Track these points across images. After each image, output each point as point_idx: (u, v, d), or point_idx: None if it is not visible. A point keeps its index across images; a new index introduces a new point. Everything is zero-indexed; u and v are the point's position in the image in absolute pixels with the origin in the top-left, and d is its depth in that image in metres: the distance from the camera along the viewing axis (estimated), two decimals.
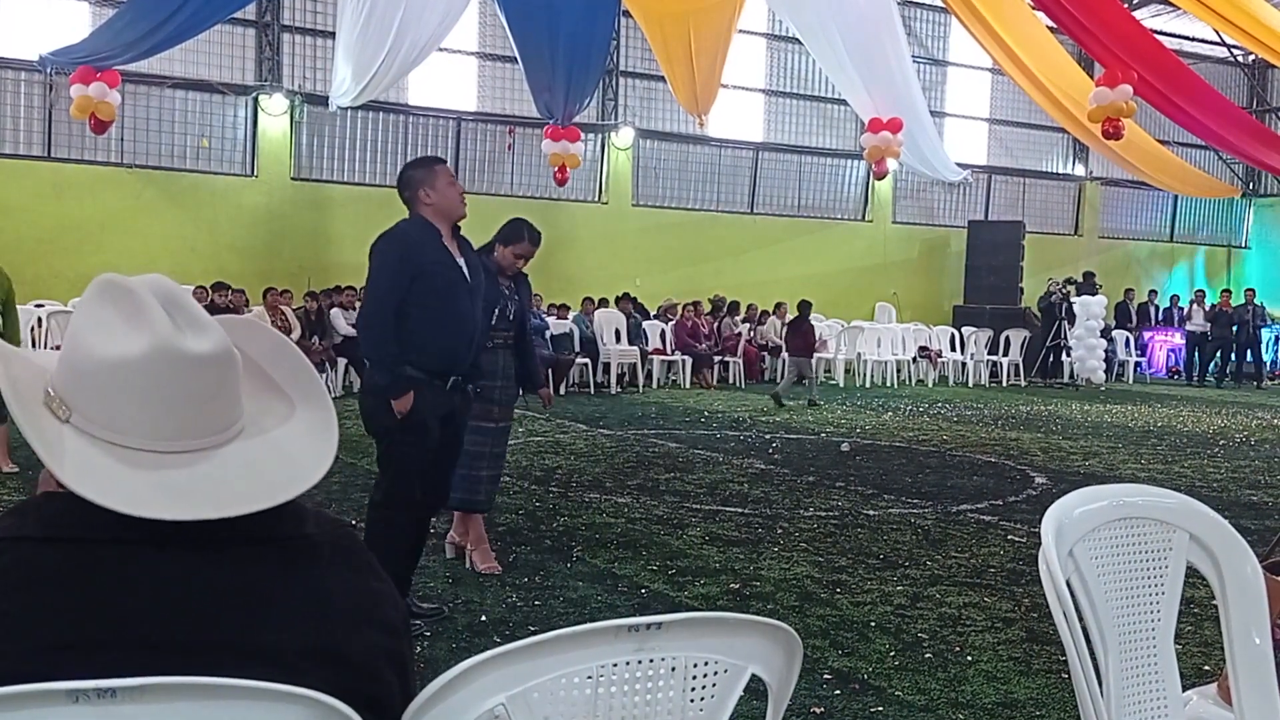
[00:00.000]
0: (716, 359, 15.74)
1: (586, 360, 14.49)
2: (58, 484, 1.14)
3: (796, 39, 16.53)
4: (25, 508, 1.20)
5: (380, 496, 4.37)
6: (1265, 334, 19.74)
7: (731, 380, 15.71)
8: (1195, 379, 19.40)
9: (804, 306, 13.30)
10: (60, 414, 1.16)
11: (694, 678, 1.27)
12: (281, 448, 1.23)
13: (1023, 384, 17.50)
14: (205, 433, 1.18)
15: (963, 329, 17.93)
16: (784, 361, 14.11)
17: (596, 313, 15.06)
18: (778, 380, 14.42)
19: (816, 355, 14.19)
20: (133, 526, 1.11)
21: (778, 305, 16.72)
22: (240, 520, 1.14)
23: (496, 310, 5.06)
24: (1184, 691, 2.09)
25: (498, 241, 5.23)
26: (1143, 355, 20.20)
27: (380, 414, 4.25)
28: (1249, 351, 19.28)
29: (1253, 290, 19.61)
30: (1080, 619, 1.83)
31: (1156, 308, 21.01)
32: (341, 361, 13.12)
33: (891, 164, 14.90)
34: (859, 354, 16.68)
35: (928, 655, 4.24)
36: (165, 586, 1.12)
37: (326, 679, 1.13)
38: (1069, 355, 17.86)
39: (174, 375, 1.14)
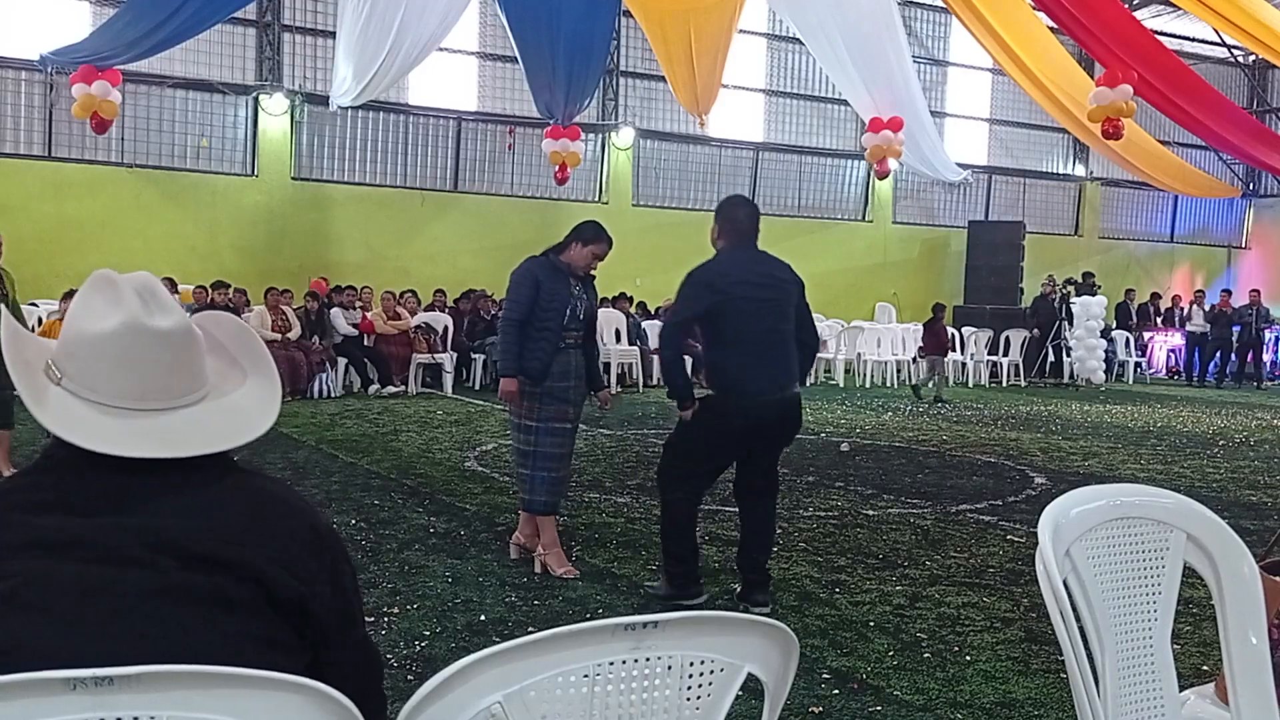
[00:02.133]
0: None
1: None
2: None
3: (797, 39, 16.54)
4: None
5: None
6: (1267, 335, 19.73)
7: None
8: (1195, 379, 19.39)
9: (938, 309, 14.70)
10: (53, 378, 1.43)
11: (690, 676, 1.28)
12: (234, 407, 1.51)
13: (1023, 384, 17.49)
14: (169, 395, 1.44)
15: (963, 329, 17.92)
16: (920, 359, 15.39)
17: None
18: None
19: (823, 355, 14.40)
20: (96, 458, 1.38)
21: None
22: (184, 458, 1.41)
23: (568, 310, 5.18)
24: (1182, 691, 2.09)
25: (575, 240, 5.27)
26: (1143, 355, 20.20)
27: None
28: (1251, 352, 19.28)
29: (1258, 291, 19.60)
30: (1078, 619, 1.83)
31: (1157, 308, 21.00)
32: (342, 361, 13.11)
33: (892, 164, 14.90)
34: (859, 354, 16.68)
35: (926, 655, 4.24)
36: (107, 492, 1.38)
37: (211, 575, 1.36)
38: (1069, 355, 17.85)
39: (139, 346, 1.41)
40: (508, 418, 5.38)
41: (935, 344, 14.52)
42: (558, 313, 5.10)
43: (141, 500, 1.37)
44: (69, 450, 1.38)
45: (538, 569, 5.24)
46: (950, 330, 15.85)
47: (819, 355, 15.06)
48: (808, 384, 15.09)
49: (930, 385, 14.57)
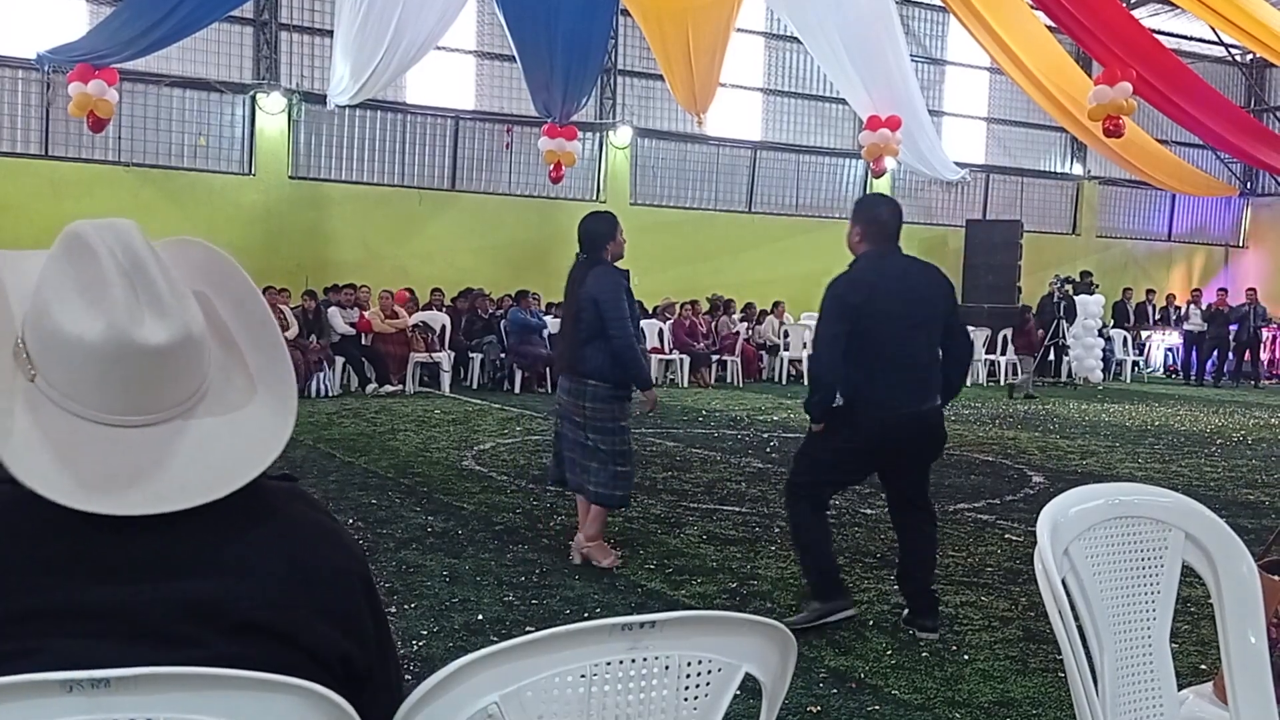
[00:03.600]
0: (714, 358, 15.74)
1: None
2: None
3: (795, 38, 16.53)
4: None
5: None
6: (1265, 334, 19.73)
7: (729, 379, 15.71)
8: (1193, 378, 19.40)
9: (1025, 311, 15.69)
10: (27, 372, 1.17)
11: (688, 676, 1.27)
12: (238, 430, 1.24)
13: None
14: (160, 409, 1.18)
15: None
16: (1083, 358, 16.70)
17: None
18: (774, 380, 15.69)
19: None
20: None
21: (775, 304, 16.71)
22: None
23: (637, 311, 5.41)
24: (1180, 690, 2.09)
25: (616, 232, 5.38)
26: (1140, 354, 20.20)
27: None
28: (1248, 351, 19.28)
29: (1254, 289, 19.60)
30: (1076, 618, 1.83)
31: (1154, 307, 21.01)
32: (339, 360, 13.10)
33: (890, 163, 14.89)
34: None
35: (924, 654, 4.24)
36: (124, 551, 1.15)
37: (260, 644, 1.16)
38: (1067, 354, 17.86)
39: (127, 363, 1.15)
40: (592, 422, 5.24)
41: (1025, 343, 15.58)
42: (635, 317, 5.31)
43: (172, 553, 1.16)
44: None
45: (577, 560, 5.33)
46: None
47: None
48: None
49: (1020, 382, 15.49)
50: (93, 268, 1.16)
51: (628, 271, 5.41)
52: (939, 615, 4.57)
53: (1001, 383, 17.36)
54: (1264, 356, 19.82)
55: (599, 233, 5.34)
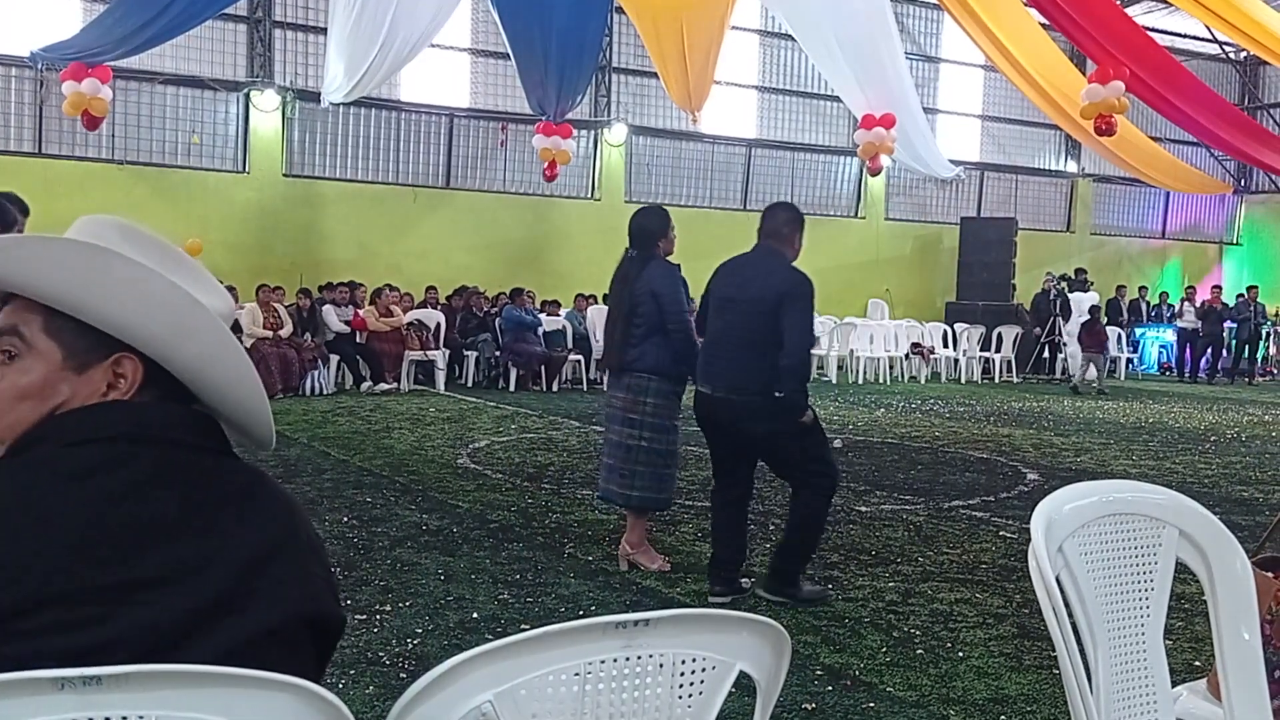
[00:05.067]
0: None
1: (579, 357, 14.48)
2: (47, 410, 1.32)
3: (789, 35, 16.52)
4: (43, 430, 1.32)
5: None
6: (1268, 330, 19.78)
7: None
8: (1187, 375, 19.43)
9: (1094, 310, 16.40)
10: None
11: (682, 675, 1.27)
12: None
13: (1015, 380, 17.52)
14: None
15: (955, 325, 17.94)
16: (1078, 356, 16.76)
17: (589, 309, 15.05)
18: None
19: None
20: (196, 431, 1.34)
21: None
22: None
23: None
24: (1174, 687, 2.09)
25: (668, 229, 5.41)
26: (1134, 351, 20.24)
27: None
28: (1246, 348, 19.32)
29: (1256, 287, 19.63)
30: (1070, 615, 1.83)
31: (1147, 304, 21.04)
32: (334, 358, 13.08)
33: (885, 160, 14.89)
34: (851, 350, 16.68)
35: (919, 651, 4.25)
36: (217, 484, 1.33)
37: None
38: (1061, 351, 17.89)
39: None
40: (649, 419, 5.24)
41: (1094, 342, 15.99)
42: (692, 312, 5.32)
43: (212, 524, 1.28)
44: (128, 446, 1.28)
45: (624, 567, 5.31)
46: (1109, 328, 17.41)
47: (814, 351, 15.11)
48: None
49: (1090, 379, 15.92)
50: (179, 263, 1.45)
51: (679, 265, 5.40)
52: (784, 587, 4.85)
53: (996, 380, 17.39)
54: (1272, 353, 19.84)
55: (651, 229, 5.35)
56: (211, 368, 1.35)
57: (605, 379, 5.58)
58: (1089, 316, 16.08)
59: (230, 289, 13.13)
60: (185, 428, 1.34)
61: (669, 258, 5.34)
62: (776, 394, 4.69)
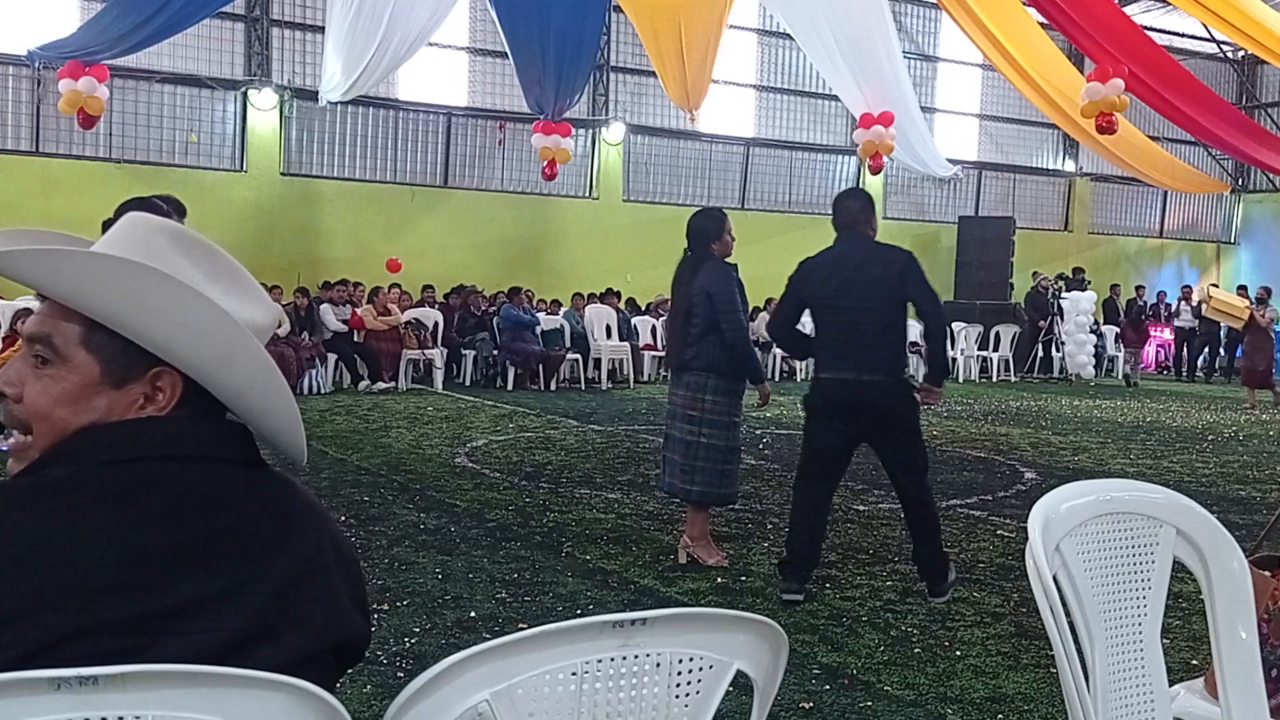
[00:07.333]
0: None
1: (577, 356, 14.48)
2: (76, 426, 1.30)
3: (787, 34, 16.51)
4: (79, 444, 1.29)
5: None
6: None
7: None
8: (1184, 374, 19.44)
9: (1137, 307, 17.87)
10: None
11: (679, 674, 1.27)
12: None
13: (1013, 379, 17.52)
14: None
15: (953, 324, 17.93)
16: (1122, 351, 18.26)
17: (587, 308, 15.05)
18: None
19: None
20: (231, 445, 1.35)
21: (768, 300, 16.68)
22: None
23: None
24: (1171, 686, 2.09)
25: (722, 231, 5.45)
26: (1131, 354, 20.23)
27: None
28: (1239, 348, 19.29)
29: (1268, 288, 19.58)
30: (1067, 614, 1.83)
31: (1144, 303, 21.03)
32: (332, 357, 13.07)
33: (884, 159, 14.88)
34: None
35: (917, 650, 4.25)
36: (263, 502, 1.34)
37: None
38: (1059, 350, 17.89)
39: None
40: (709, 416, 5.33)
41: (1135, 337, 17.32)
42: (747, 311, 5.43)
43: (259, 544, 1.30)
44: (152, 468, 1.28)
45: (683, 559, 5.37)
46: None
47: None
48: (797, 379, 15.11)
49: (1129, 374, 17.13)
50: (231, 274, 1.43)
51: (736, 265, 5.44)
52: (945, 582, 4.86)
53: (994, 379, 17.40)
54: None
55: (707, 230, 5.41)
56: (250, 392, 1.34)
57: (668, 377, 5.70)
58: (1137, 314, 17.57)
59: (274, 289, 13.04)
60: (220, 443, 1.34)
61: (725, 258, 5.42)
62: (908, 372, 4.98)
